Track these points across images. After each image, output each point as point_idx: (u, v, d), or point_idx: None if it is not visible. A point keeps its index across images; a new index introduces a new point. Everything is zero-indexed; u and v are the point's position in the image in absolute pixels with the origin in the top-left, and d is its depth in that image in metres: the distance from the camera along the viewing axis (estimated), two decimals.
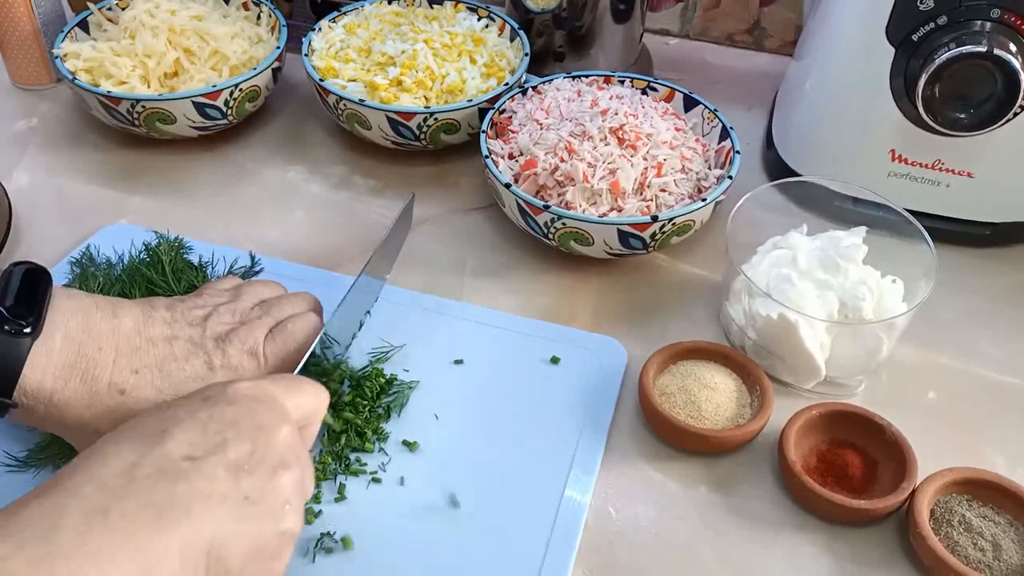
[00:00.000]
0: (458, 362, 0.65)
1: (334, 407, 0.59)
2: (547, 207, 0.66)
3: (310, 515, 0.55)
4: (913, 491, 0.55)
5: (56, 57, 0.80)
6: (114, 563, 0.35)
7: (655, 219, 0.66)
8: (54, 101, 0.89)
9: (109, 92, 0.76)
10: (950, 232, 0.73)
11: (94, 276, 0.65)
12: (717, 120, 0.76)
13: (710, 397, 0.60)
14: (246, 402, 0.42)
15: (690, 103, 0.78)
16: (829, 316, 0.62)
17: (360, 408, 0.60)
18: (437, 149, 0.81)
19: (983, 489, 0.55)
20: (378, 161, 0.83)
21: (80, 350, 0.48)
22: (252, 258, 0.69)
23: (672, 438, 0.60)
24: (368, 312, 0.66)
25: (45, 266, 0.50)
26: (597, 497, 0.58)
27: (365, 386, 0.61)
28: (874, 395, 0.64)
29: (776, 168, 0.80)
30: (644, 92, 0.79)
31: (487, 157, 0.71)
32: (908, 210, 0.65)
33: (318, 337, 0.55)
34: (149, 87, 0.79)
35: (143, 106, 0.76)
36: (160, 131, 0.79)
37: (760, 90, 0.93)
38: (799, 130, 0.79)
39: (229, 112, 0.80)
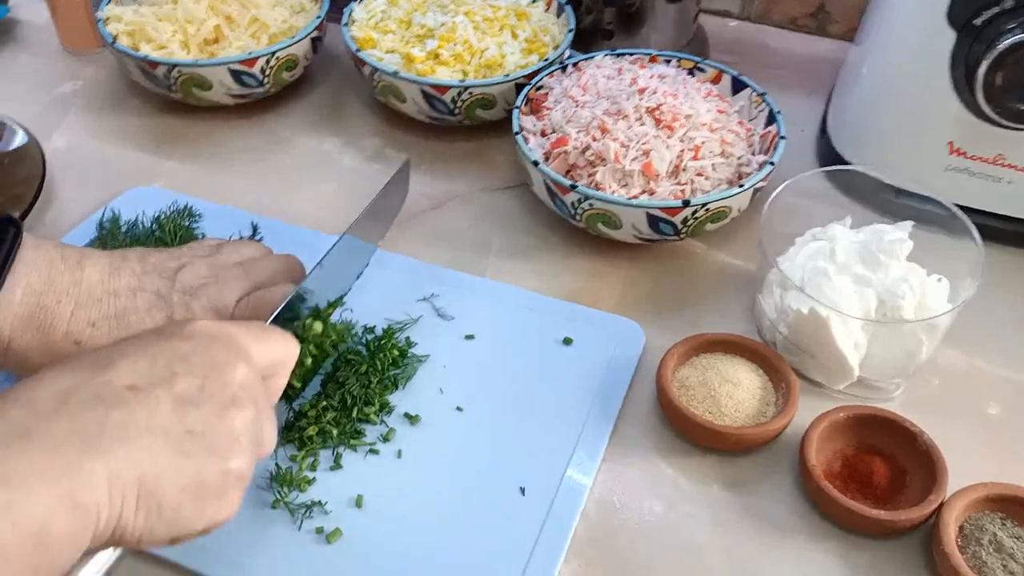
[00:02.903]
0: (469, 337, 0.64)
1: (334, 376, 0.60)
2: (574, 186, 0.65)
3: (303, 483, 0.56)
4: (941, 505, 0.52)
5: (99, 20, 0.82)
6: (28, 487, 0.33)
7: (686, 204, 0.64)
8: (100, 66, 0.91)
9: (147, 56, 0.78)
10: (1007, 232, 0.69)
11: (115, 237, 0.67)
12: (764, 104, 0.73)
13: (731, 393, 0.59)
14: (203, 339, 0.41)
15: (738, 85, 0.76)
16: (865, 314, 0.60)
17: (371, 379, 0.60)
18: (474, 125, 0.81)
19: (1019, 508, 0.52)
20: (414, 136, 0.83)
21: (39, 302, 0.50)
22: (254, 228, 0.70)
23: (687, 432, 0.59)
24: (358, 276, 0.65)
25: (15, 216, 0.51)
26: (602, 487, 0.56)
27: (378, 358, 0.61)
28: (911, 401, 0.61)
29: (828, 157, 0.77)
30: (691, 73, 0.77)
31: (518, 133, 0.70)
32: (963, 207, 0.62)
33: (290, 293, 0.55)
34: (188, 53, 0.81)
35: (180, 71, 0.78)
36: (197, 97, 0.81)
37: (821, 77, 0.90)
38: (853, 118, 0.76)
39: (266, 80, 0.81)
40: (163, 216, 0.69)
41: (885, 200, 0.67)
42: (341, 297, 0.62)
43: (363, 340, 0.63)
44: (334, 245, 0.59)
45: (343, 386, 0.59)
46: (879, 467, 0.56)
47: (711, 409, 0.58)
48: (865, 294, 0.60)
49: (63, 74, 0.90)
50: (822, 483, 0.53)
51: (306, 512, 0.54)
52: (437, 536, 0.53)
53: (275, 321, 0.54)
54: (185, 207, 0.70)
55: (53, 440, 0.35)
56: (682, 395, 0.59)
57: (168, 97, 0.83)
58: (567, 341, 0.64)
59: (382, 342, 0.62)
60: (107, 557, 0.41)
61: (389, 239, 0.72)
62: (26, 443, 0.34)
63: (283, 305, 0.54)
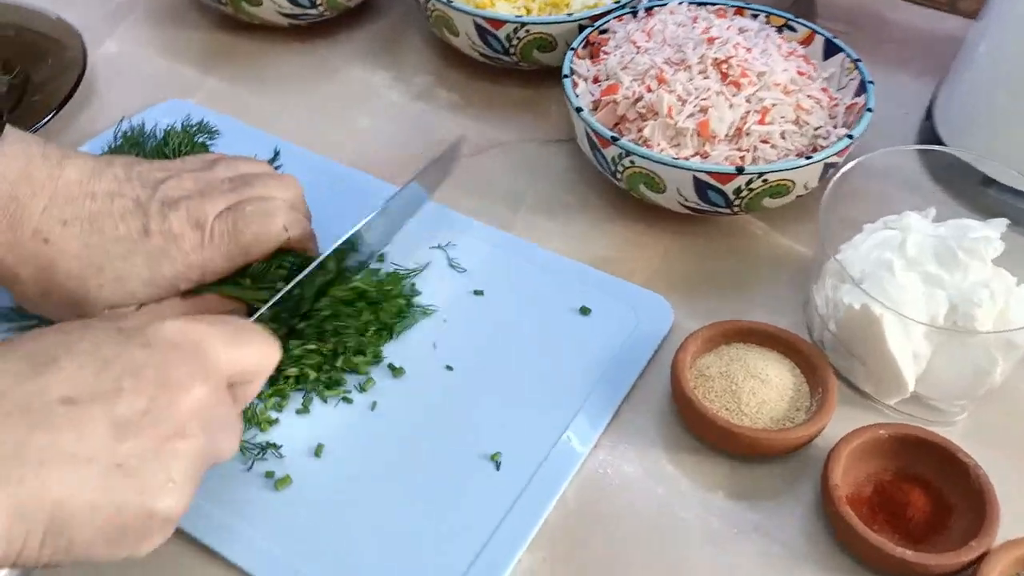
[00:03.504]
0: (478, 293, 0.59)
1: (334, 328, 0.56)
2: (615, 139, 0.59)
3: (265, 422, 0.52)
4: (985, 553, 0.44)
5: None
6: None
7: (740, 171, 0.57)
8: None
9: None
10: None
11: (122, 146, 0.65)
12: (857, 72, 0.64)
13: (756, 390, 0.51)
14: (163, 349, 0.37)
15: (831, 50, 0.67)
16: (931, 319, 0.51)
17: (369, 328, 0.55)
18: (531, 69, 0.75)
19: None
20: (467, 76, 0.78)
21: (12, 192, 0.48)
22: (275, 153, 0.66)
23: (697, 428, 0.51)
24: (382, 256, 0.61)
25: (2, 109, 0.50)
26: (588, 474, 0.50)
27: (382, 306, 0.56)
28: (973, 429, 0.52)
29: (928, 142, 0.67)
30: (779, 31, 0.69)
31: (567, 76, 0.64)
32: None
33: (297, 279, 0.51)
34: None
35: None
36: (248, 13, 0.78)
37: (939, 57, 0.79)
38: (963, 102, 0.66)
39: (319, 1, 0.77)
40: (174, 129, 0.65)
41: (979, 193, 0.58)
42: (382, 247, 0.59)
43: (362, 277, 0.58)
44: (360, 225, 0.55)
45: (339, 334, 0.55)
46: (918, 499, 0.47)
47: (729, 405, 0.51)
48: (935, 296, 0.51)
49: None
50: (843, 507, 0.46)
51: (259, 454, 0.50)
52: (394, 500, 0.49)
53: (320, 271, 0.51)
54: (201, 122, 0.67)
55: None
56: (698, 385, 0.52)
57: (221, 12, 0.80)
58: (584, 311, 0.58)
59: (387, 289, 0.57)
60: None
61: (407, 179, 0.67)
62: None
63: (281, 293, 0.51)
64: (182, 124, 0.66)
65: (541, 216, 0.66)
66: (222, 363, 0.39)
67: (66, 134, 0.72)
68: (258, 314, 0.49)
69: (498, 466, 0.50)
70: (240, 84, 0.78)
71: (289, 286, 0.51)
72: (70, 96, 0.71)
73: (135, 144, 0.65)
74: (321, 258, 0.51)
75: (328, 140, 0.72)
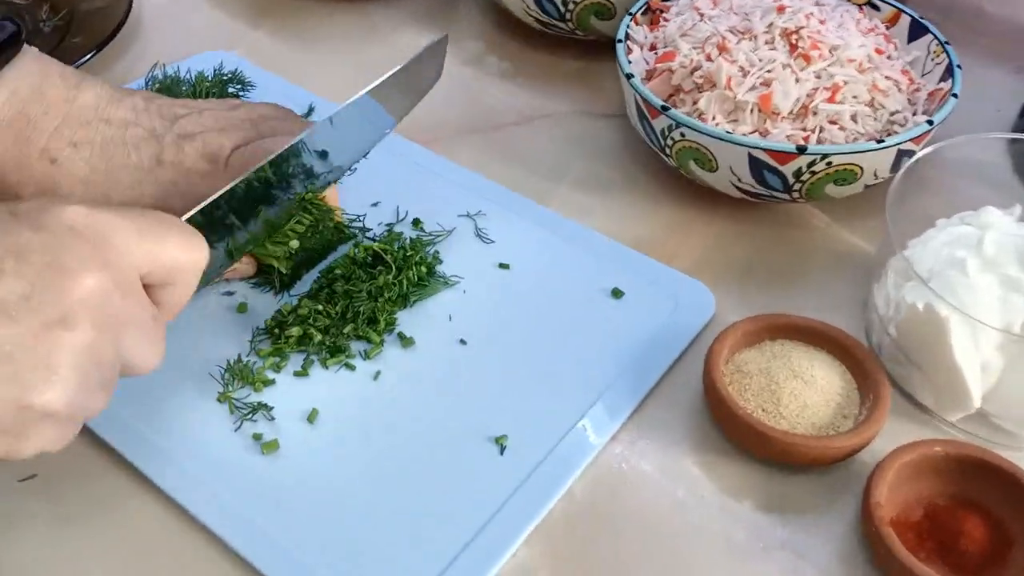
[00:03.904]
0: (503, 266, 0.55)
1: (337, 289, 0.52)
2: (665, 109, 0.54)
3: (260, 382, 0.48)
4: None
5: None
6: None
7: (801, 151, 0.51)
8: None
9: None
10: None
11: (168, 91, 0.63)
12: (944, 56, 0.59)
13: (798, 391, 0.46)
14: (58, 232, 0.33)
15: (917, 32, 0.61)
16: (1006, 326, 0.45)
17: (385, 294, 0.52)
18: (588, 39, 0.71)
19: None
20: (521, 44, 0.74)
21: (23, 109, 0.47)
22: (310, 109, 0.63)
23: (727, 427, 0.47)
24: (364, 154, 0.55)
25: (22, 25, 0.48)
26: (601, 468, 0.46)
27: (405, 273, 0.53)
28: None
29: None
30: (861, 8, 0.63)
31: (621, 41, 0.59)
32: None
33: (284, 144, 0.47)
34: None
35: None
36: None
37: None
38: None
39: None
40: (203, 75, 0.63)
41: None
42: (342, 171, 0.54)
43: (382, 238, 0.55)
44: (350, 102, 0.51)
45: (349, 297, 0.51)
46: (975, 529, 0.41)
47: (767, 405, 0.46)
48: (1012, 302, 0.46)
49: None
50: (885, 529, 0.40)
51: (249, 414, 0.47)
52: (387, 475, 0.45)
53: (260, 181, 0.47)
54: (234, 72, 0.65)
55: None
56: (734, 381, 0.47)
57: None
58: (616, 293, 0.53)
59: (408, 255, 0.54)
60: None
61: (449, 143, 0.64)
62: None
63: (270, 159, 0.47)
64: (214, 71, 0.64)
65: (582, 192, 0.61)
66: (133, 256, 0.35)
67: (103, 77, 0.70)
68: (187, 215, 0.43)
69: (503, 450, 0.46)
70: (285, 40, 0.75)
71: (223, 191, 0.45)
72: (110, 38, 0.70)
73: (166, 91, 0.63)
74: (257, 167, 0.47)
75: None
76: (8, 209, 0.35)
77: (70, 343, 0.33)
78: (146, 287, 0.37)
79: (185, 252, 0.38)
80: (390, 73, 0.52)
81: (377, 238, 0.55)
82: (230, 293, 0.54)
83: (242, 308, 0.53)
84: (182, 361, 0.49)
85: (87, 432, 0.46)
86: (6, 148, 0.47)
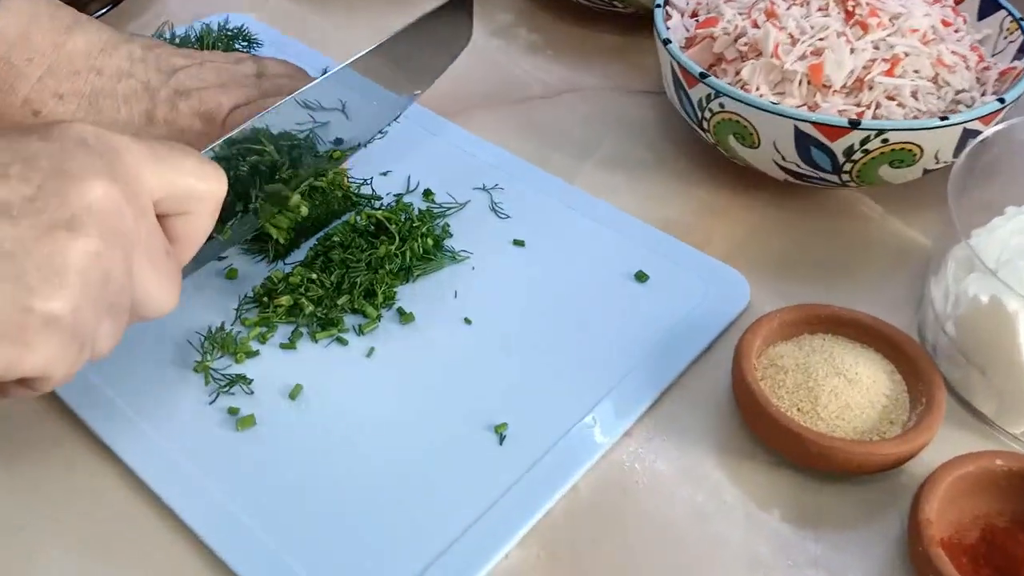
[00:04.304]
0: (518, 243, 0.51)
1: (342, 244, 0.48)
2: (704, 76, 0.49)
3: (242, 353, 0.45)
4: None
5: None
6: None
7: (855, 125, 0.46)
8: None
9: None
10: None
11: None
12: (1019, 34, 0.53)
13: (839, 390, 0.41)
14: (67, 143, 0.31)
15: (988, 7, 0.56)
16: None
17: (386, 265, 0.48)
18: (628, 13, 0.67)
19: None
20: (554, 17, 0.71)
21: (6, 55, 0.44)
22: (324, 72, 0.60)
23: (757, 428, 0.42)
24: (381, 131, 0.52)
25: None
26: (611, 465, 0.41)
27: (409, 245, 0.49)
28: None
29: None
30: None
31: (659, 6, 0.55)
32: None
33: (260, 113, 0.43)
34: None
35: None
36: None
37: None
38: None
39: None
40: (209, 29, 0.60)
41: None
42: (357, 146, 0.50)
43: (389, 207, 0.51)
44: (365, 53, 0.47)
45: (346, 267, 0.47)
46: None
47: (802, 404, 0.41)
48: None
49: None
50: (934, 550, 0.35)
51: (227, 386, 0.43)
52: (370, 461, 0.41)
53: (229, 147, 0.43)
54: (240, 28, 0.61)
55: None
56: (767, 376, 0.42)
57: None
58: (640, 276, 0.49)
59: (415, 226, 0.50)
60: None
61: (469, 115, 0.61)
62: None
63: (240, 128, 0.42)
64: (218, 25, 0.61)
65: (609, 170, 0.57)
66: (145, 178, 0.33)
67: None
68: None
69: (502, 440, 0.41)
70: (304, 5, 0.72)
71: (221, 140, 0.42)
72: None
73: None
74: (246, 125, 0.43)
75: None
76: (20, 128, 0.32)
77: (76, 248, 0.30)
78: (160, 219, 0.34)
79: (202, 180, 0.35)
80: (404, 26, 0.48)
81: (384, 207, 0.51)
82: (221, 258, 0.50)
83: (232, 274, 0.49)
84: (159, 325, 0.46)
85: (48, 394, 0.43)
86: None
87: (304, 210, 0.48)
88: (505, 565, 0.38)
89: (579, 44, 0.68)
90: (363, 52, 0.47)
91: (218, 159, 0.41)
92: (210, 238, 0.37)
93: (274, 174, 0.45)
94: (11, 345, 0.29)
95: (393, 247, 0.49)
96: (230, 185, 0.36)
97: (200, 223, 0.36)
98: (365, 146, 0.50)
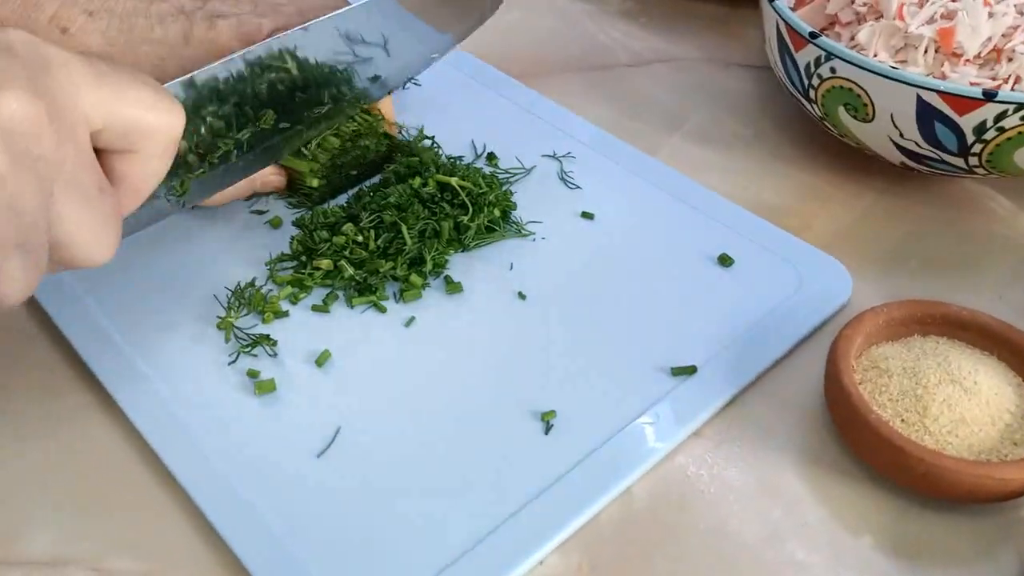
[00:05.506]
0: (587, 216, 0.47)
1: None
2: (813, 37, 0.44)
3: (271, 312, 0.41)
4: None
5: None
6: None
7: (990, 97, 0.41)
8: None
9: None
10: None
11: None
12: None
13: (954, 401, 0.35)
14: None
15: None
16: None
17: (444, 231, 0.44)
18: None
19: None
20: None
21: None
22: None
23: (852, 438, 0.36)
24: (414, 74, 0.49)
25: None
26: (673, 469, 0.37)
27: (477, 215, 0.45)
28: None
29: None
30: None
31: None
32: None
33: (275, 36, 0.40)
34: None
35: None
36: None
37: None
38: None
39: None
40: None
41: None
42: (387, 89, 0.47)
43: (458, 166, 0.47)
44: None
45: (397, 232, 0.44)
46: None
47: (908, 414, 0.35)
48: None
49: None
50: None
51: (249, 347, 0.40)
52: (398, 441, 0.37)
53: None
54: None
55: None
56: (867, 378, 0.37)
57: None
58: (724, 260, 0.44)
59: (482, 192, 0.46)
60: None
61: (544, 80, 0.57)
62: None
63: (227, 58, 0.39)
64: None
65: (698, 145, 0.52)
66: (80, 99, 0.29)
67: None
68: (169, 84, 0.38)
69: (548, 429, 0.37)
70: None
71: (219, 62, 0.40)
72: None
73: None
74: (250, 49, 0.40)
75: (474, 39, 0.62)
76: None
77: None
78: (101, 154, 0.30)
79: (152, 112, 0.30)
80: None
81: (445, 168, 0.47)
82: (260, 212, 0.47)
83: (276, 222, 0.46)
84: (186, 276, 0.43)
85: (59, 341, 0.41)
86: (13, 8, 0.42)
87: (334, 140, 0.45)
88: (540, 572, 0.33)
89: (675, 13, 0.64)
90: None
91: (210, 92, 0.39)
92: (174, 189, 0.33)
93: (291, 100, 0.42)
94: None
95: (466, 217, 0.45)
96: (210, 128, 0.32)
97: (148, 165, 0.31)
98: (403, 87, 0.47)
